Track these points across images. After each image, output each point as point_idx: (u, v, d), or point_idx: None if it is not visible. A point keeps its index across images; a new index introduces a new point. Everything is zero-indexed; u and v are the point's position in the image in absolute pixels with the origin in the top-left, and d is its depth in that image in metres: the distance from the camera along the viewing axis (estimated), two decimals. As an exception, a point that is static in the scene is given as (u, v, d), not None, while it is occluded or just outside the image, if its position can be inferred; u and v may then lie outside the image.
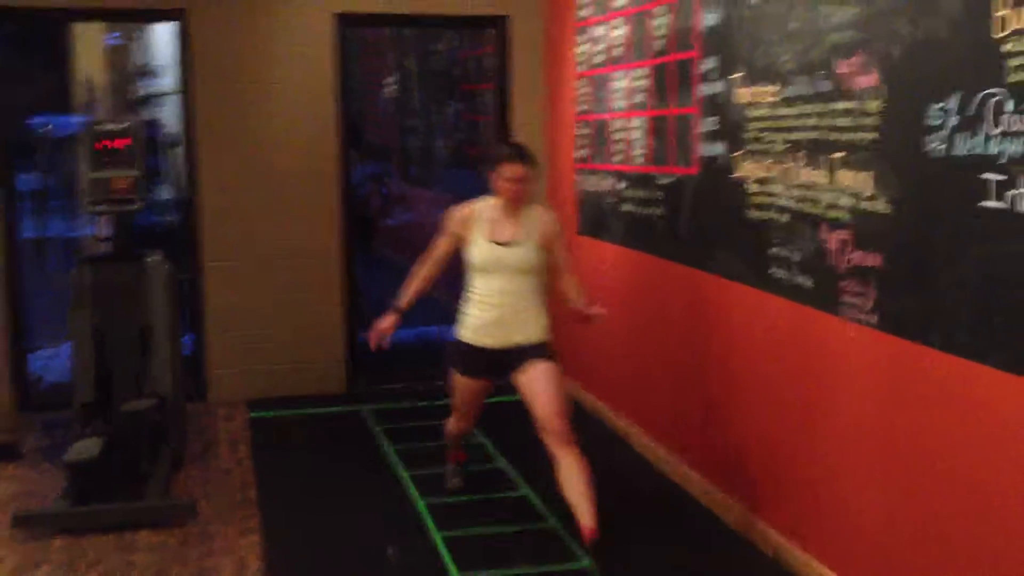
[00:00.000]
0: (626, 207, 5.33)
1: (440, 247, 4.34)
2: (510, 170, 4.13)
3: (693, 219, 4.62)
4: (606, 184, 5.58)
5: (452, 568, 3.96)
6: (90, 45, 9.98)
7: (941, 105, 2.98)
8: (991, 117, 2.79)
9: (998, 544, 2.87)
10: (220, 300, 6.27)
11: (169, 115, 7.98)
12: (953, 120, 2.93)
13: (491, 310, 4.16)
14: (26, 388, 6.25)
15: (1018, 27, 2.70)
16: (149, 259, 5.07)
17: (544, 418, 3.97)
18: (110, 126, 4.87)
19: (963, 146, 2.90)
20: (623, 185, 5.35)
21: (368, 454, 5.35)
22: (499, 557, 4.06)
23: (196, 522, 4.41)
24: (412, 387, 6.60)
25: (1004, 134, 2.74)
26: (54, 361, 7.17)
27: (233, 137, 6.18)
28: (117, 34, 10.67)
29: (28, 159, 6.49)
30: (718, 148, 4.33)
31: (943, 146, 2.98)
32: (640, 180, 5.14)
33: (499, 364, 4.18)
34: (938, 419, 3.09)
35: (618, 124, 5.40)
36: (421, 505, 4.61)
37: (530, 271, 4.17)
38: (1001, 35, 2.75)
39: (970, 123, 2.87)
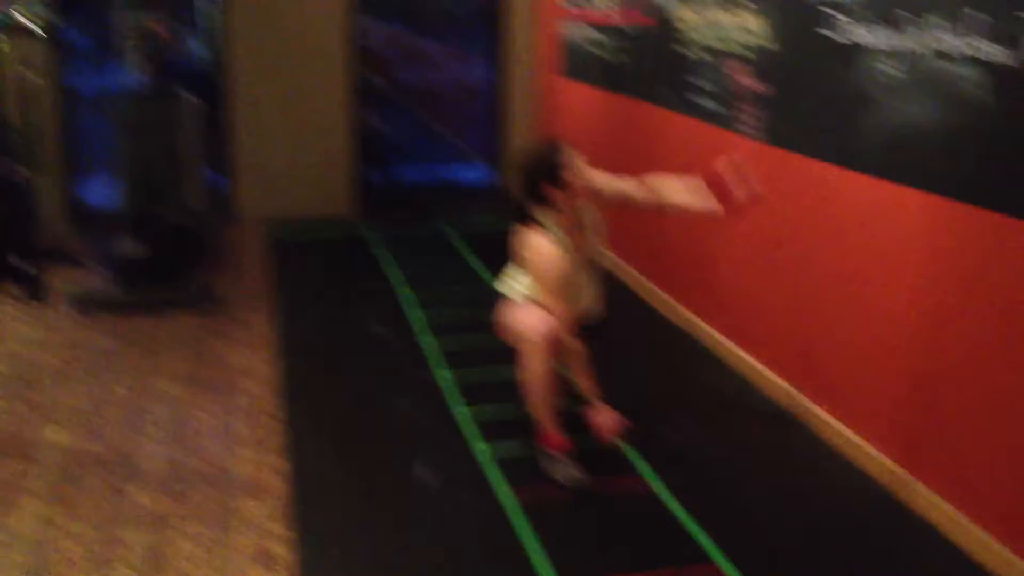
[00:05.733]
0: (599, 52, 6.05)
1: (566, 311, 3.54)
2: (570, 160, 3.55)
3: (647, 60, 5.35)
4: (584, 31, 6.29)
5: (428, 339, 4.86)
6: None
7: (807, -46, 3.70)
8: (836, -37, 3.51)
9: (847, 296, 3.71)
10: (246, 136, 7.09)
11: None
12: (814, -34, 3.66)
13: None
14: (77, 208, 7.18)
15: None
16: (182, 95, 5.87)
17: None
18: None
19: (820, -12, 3.63)
20: (597, 32, 6.07)
21: (368, 263, 6.23)
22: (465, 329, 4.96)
23: (221, 307, 5.33)
24: (417, 216, 7.43)
25: (845, -23, 3.47)
26: (100, 189, 8.07)
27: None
28: None
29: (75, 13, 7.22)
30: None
31: (808, -11, 3.71)
32: (612, 31, 5.85)
33: None
34: (799, 204, 3.90)
35: (592, -22, 6.08)
36: (409, 298, 5.49)
37: (598, 245, 3.81)
38: None
39: (824, -31, 3.59)
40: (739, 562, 3.02)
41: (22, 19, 5.77)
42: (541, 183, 3.52)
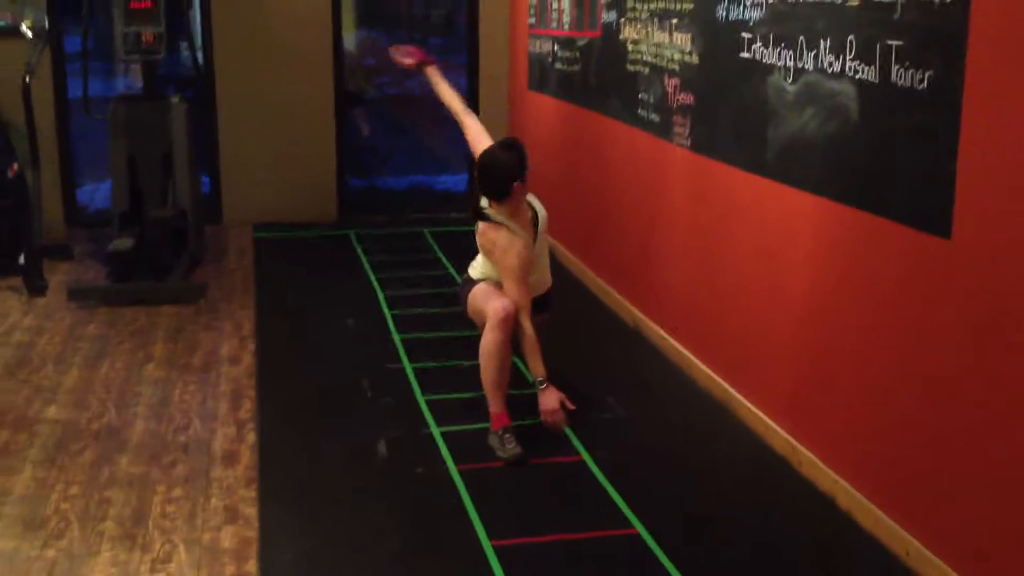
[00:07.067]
0: (558, 65, 6.51)
1: (526, 295, 4.01)
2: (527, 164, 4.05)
3: (596, 73, 5.80)
4: (546, 46, 6.75)
5: (395, 331, 5.30)
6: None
7: (725, -17, 4.15)
8: (746, -7, 3.96)
9: (760, 291, 4.16)
10: (232, 140, 7.55)
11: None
12: (729, -6, 4.11)
13: None
14: (75, 211, 7.64)
15: (764, -72, 3.84)
16: (172, 99, 6.32)
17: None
18: (139, -10, 6.06)
19: (733, 13, 4.07)
20: (556, 46, 6.52)
21: (347, 263, 6.67)
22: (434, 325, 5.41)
23: (207, 300, 5.78)
24: (394, 219, 7.87)
25: (752, 4, 3.92)
26: (97, 193, 8.52)
27: (241, 4, 7.37)
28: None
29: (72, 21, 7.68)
30: (612, 16, 5.49)
31: (724, 13, 4.15)
32: (566, 42, 6.31)
33: None
34: (718, 208, 4.35)
35: (555, -5, 6.54)
36: (382, 295, 5.94)
37: (547, 225, 4.26)
38: (758, -67, 3.90)
39: (737, -3, 4.04)
40: (655, 528, 3.42)
41: (24, 27, 6.18)
42: (515, 182, 3.96)
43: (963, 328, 2.92)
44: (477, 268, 4.26)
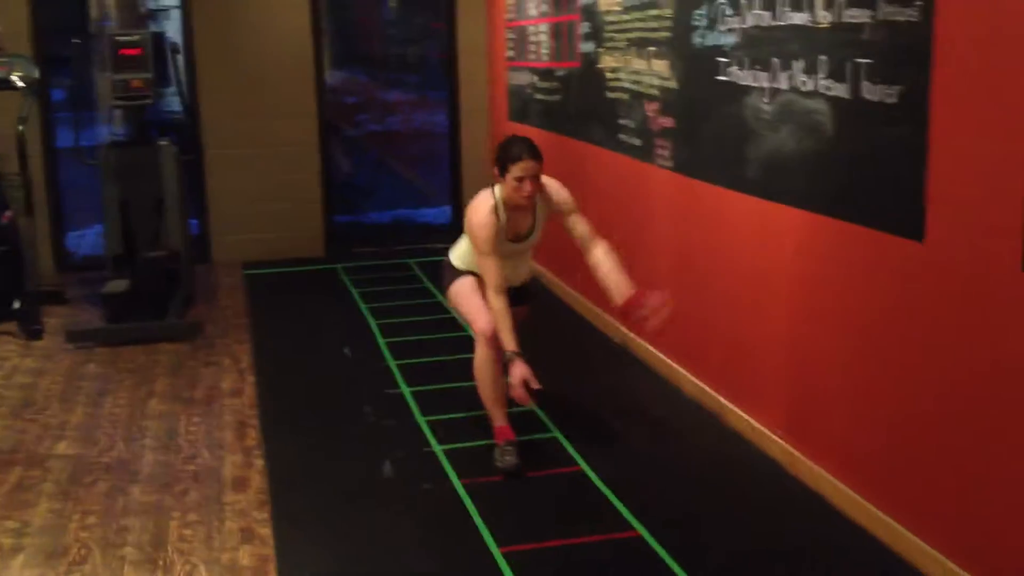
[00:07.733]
0: (538, 95, 6.70)
1: (493, 269, 4.03)
2: (525, 167, 4.01)
3: (577, 102, 5.99)
4: (525, 78, 6.94)
5: (390, 358, 5.43)
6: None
7: (699, 11, 4.35)
8: (721, 19, 4.15)
9: (746, 303, 4.32)
10: (219, 181, 7.69)
11: (172, 26, 9.25)
12: (705, 21, 4.30)
13: None
14: (65, 256, 7.74)
15: (735, -43, 4.04)
16: (161, 143, 6.46)
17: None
18: (127, 37, 6.20)
19: (710, 39, 4.27)
20: (535, 78, 6.71)
21: (337, 295, 6.81)
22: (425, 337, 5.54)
23: (203, 337, 5.89)
24: (380, 253, 8.03)
25: (728, 30, 4.11)
26: (83, 239, 8.63)
27: (225, 47, 7.55)
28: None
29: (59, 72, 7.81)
30: (590, 46, 5.69)
31: (701, 39, 4.35)
32: (546, 73, 6.50)
33: None
34: (703, 225, 4.52)
35: (532, 29, 6.74)
36: (374, 324, 6.07)
37: (534, 245, 4.35)
38: (729, -38, 4.10)
39: (712, 23, 4.24)
40: (656, 530, 3.56)
41: (14, 78, 6.29)
42: (496, 164, 4.09)
43: (940, 325, 3.09)
44: (458, 255, 4.35)
